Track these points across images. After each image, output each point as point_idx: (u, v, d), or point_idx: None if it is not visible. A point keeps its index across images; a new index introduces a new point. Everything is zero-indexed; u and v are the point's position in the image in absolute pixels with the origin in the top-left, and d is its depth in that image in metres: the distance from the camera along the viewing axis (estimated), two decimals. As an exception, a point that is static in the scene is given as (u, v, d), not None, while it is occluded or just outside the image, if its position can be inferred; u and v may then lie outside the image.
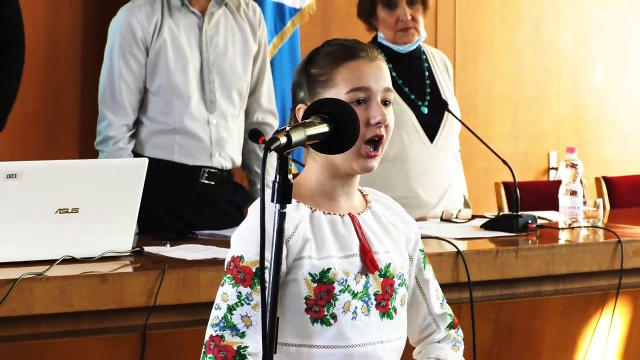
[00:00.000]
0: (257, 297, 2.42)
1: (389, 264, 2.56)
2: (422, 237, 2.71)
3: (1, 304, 2.97)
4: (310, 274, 2.47)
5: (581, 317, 3.83)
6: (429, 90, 4.37)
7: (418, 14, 4.30)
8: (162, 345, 3.18)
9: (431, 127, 4.33)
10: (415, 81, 4.35)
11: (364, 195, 2.63)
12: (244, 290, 2.44)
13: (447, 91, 4.42)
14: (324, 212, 2.52)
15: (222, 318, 2.44)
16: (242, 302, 2.44)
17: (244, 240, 2.47)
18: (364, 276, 2.53)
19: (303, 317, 2.48)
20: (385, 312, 2.55)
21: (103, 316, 3.15)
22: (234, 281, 2.44)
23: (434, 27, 6.09)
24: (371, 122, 2.49)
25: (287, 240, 2.45)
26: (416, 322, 2.70)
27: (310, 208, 2.51)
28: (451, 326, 2.71)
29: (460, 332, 2.73)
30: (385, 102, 2.53)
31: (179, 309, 3.22)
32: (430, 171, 4.31)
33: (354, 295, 2.51)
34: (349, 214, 2.55)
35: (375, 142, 2.51)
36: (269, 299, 2.18)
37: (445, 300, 2.72)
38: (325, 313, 2.48)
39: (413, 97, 4.32)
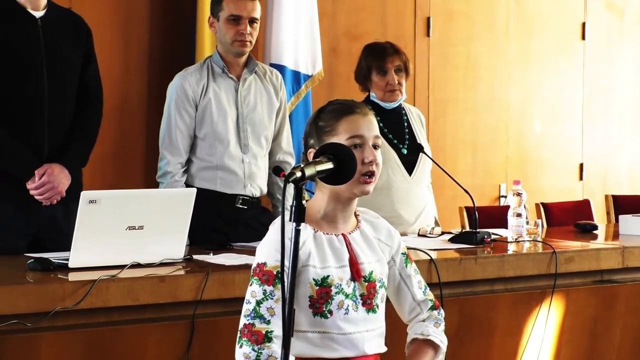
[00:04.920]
0: (278, 293, 2.43)
1: (372, 271, 2.58)
2: (403, 249, 2.71)
3: (84, 299, 2.96)
4: (314, 279, 2.49)
5: (525, 309, 3.80)
6: (407, 136, 4.38)
7: (402, 79, 4.34)
8: (206, 331, 3.16)
9: (409, 164, 4.34)
10: (397, 130, 4.36)
11: (356, 216, 2.63)
12: (268, 288, 2.44)
13: (422, 137, 4.44)
14: (324, 233, 2.55)
15: (252, 310, 2.44)
16: (267, 297, 2.44)
17: (267, 251, 2.49)
18: (352, 281, 2.54)
19: (307, 311, 2.49)
20: (370, 308, 2.56)
21: (161, 308, 3.14)
22: (259, 281, 2.45)
23: (412, 89, 6.09)
24: (365, 161, 2.53)
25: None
26: (404, 307, 2.70)
27: (314, 229, 2.54)
28: (433, 308, 2.71)
29: (442, 312, 2.73)
30: (375, 146, 2.56)
31: (219, 303, 3.21)
32: (409, 197, 4.31)
33: (346, 296, 2.52)
34: (342, 234, 2.56)
35: (369, 175, 2.53)
36: (288, 294, 2.20)
37: (428, 289, 2.73)
38: (324, 309, 2.49)
39: (396, 141, 4.33)
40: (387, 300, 2.69)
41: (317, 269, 2.49)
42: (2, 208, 3.74)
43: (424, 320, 2.69)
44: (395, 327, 2.72)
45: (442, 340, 2.67)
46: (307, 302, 2.49)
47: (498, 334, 3.75)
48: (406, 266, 2.69)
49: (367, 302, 2.55)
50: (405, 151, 4.34)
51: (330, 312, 2.49)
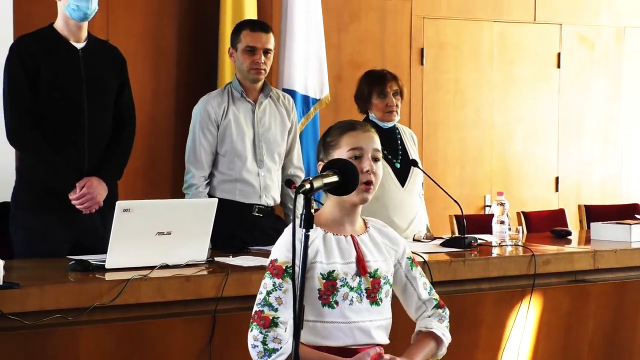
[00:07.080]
0: (285, 285, 2.47)
1: (377, 269, 2.59)
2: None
3: (119, 296, 2.97)
4: (321, 274, 2.52)
5: (508, 306, 3.80)
6: (400, 152, 4.39)
7: (398, 102, 4.35)
8: (226, 324, 3.17)
9: (402, 176, 4.34)
10: (391, 146, 4.37)
11: (365, 223, 2.65)
12: (277, 280, 2.48)
13: (414, 154, 4.44)
14: (333, 234, 2.56)
15: (262, 299, 2.48)
16: (276, 288, 2.48)
17: (279, 250, 2.53)
18: (358, 276, 2.55)
19: (316, 302, 2.51)
20: (374, 301, 2.57)
21: (187, 304, 3.15)
22: (271, 275, 2.50)
23: (408, 111, 6.10)
24: (363, 170, 2.54)
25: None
26: (412, 305, 2.72)
27: (324, 230, 2.56)
28: (437, 307, 2.71)
29: (447, 311, 2.73)
30: (376, 159, 2.57)
31: (238, 299, 3.21)
32: (402, 206, 4.31)
33: (351, 289, 2.54)
34: (351, 235, 2.57)
35: (367, 183, 2.55)
36: (299, 289, 2.24)
37: (433, 290, 2.74)
38: (331, 300, 2.52)
39: (390, 156, 4.34)
40: (396, 299, 2.69)
41: (323, 264, 2.52)
42: (49, 219, 3.77)
43: (429, 317, 2.70)
44: (398, 324, 2.71)
45: (443, 334, 2.68)
46: (317, 294, 2.51)
47: (484, 327, 3.75)
48: (411, 269, 2.70)
49: (372, 295, 2.56)
50: (398, 165, 4.35)
51: (337, 302, 2.52)
